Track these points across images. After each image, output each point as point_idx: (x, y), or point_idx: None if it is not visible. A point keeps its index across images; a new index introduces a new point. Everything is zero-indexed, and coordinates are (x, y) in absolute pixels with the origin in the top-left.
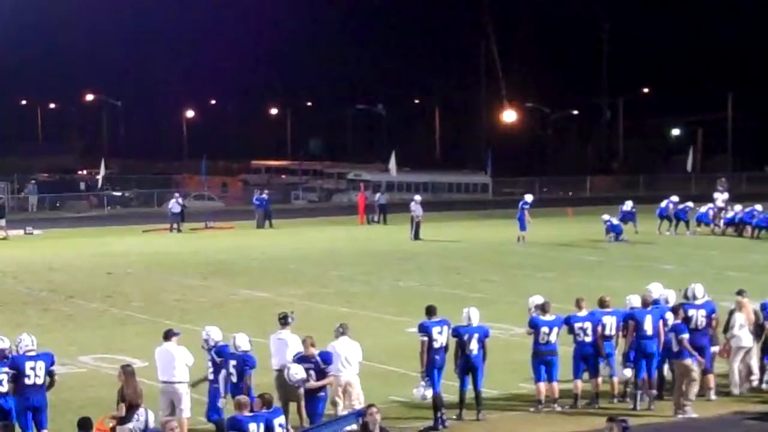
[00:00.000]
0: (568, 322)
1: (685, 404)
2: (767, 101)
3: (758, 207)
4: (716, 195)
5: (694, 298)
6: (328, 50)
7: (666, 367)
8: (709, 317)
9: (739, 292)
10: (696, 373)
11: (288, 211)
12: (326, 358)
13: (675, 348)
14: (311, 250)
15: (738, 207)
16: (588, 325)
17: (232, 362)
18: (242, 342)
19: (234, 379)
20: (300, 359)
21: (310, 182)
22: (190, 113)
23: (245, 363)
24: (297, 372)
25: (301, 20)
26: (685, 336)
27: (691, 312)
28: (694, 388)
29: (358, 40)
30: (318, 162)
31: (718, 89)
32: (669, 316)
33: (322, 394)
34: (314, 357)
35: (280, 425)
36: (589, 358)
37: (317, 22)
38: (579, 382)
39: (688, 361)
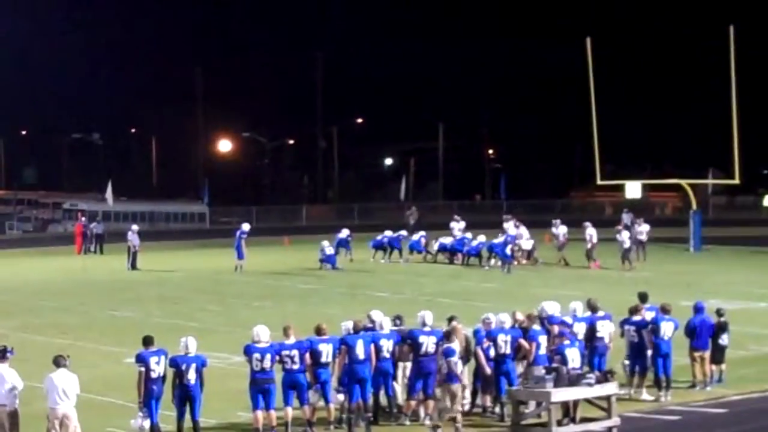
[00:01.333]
0: (278, 351)
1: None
2: (475, 131)
3: (468, 235)
4: (453, 224)
5: (424, 324)
6: (43, 77)
7: (381, 392)
8: (437, 344)
9: (451, 318)
10: (459, 398)
11: (2, 241)
12: None
13: (445, 370)
14: (25, 281)
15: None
16: (295, 353)
17: None
18: None
19: None
20: None
21: (24, 212)
22: None
23: None
24: None
25: (13, 46)
26: (453, 359)
27: (422, 338)
28: (455, 413)
29: (74, 67)
30: (33, 191)
31: (429, 119)
32: (383, 342)
33: None
34: None
35: None
36: (297, 385)
37: (29, 48)
38: (289, 410)
39: (456, 386)
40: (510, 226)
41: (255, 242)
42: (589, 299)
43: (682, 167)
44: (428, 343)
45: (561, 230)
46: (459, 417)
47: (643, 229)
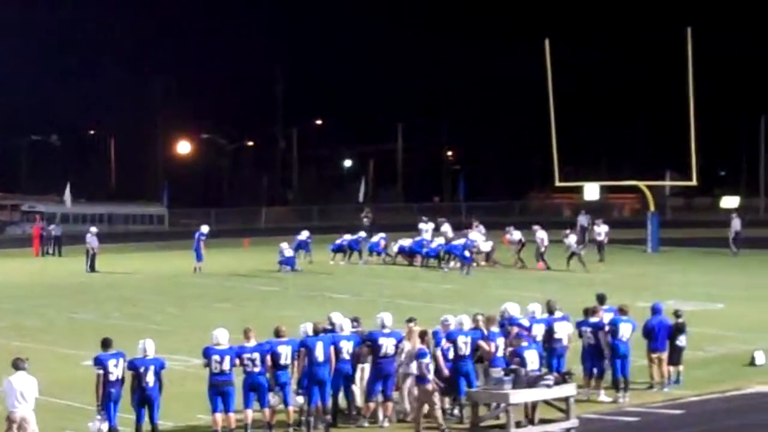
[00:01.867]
0: (238, 353)
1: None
2: (434, 133)
3: (427, 236)
4: (421, 226)
5: (383, 326)
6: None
7: (341, 394)
8: (396, 345)
9: (410, 320)
10: (437, 397)
11: None
12: None
13: (416, 372)
14: None
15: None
16: (256, 355)
17: None
18: None
19: None
20: None
21: None
22: None
23: None
24: None
25: None
26: (425, 360)
27: (382, 340)
28: (438, 412)
29: (30, 69)
30: None
31: (388, 120)
32: (343, 344)
33: None
34: None
35: None
36: (258, 387)
37: None
38: (249, 412)
39: (428, 386)
40: (448, 229)
41: (214, 244)
42: (548, 301)
43: (640, 169)
44: (388, 345)
45: (515, 236)
46: (440, 419)
47: (602, 230)
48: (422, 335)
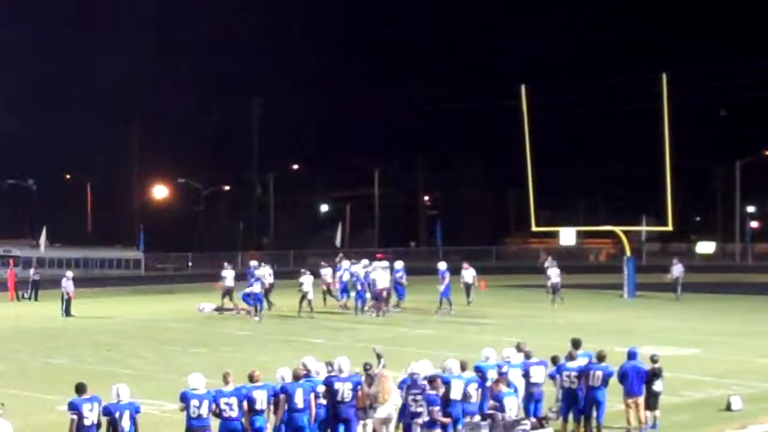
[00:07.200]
0: (215, 398)
1: None
2: (410, 178)
3: (405, 281)
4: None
5: (340, 371)
6: None
7: None
8: (355, 390)
9: (384, 365)
10: None
11: None
12: None
13: (426, 418)
14: None
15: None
16: (234, 400)
17: None
18: None
19: None
20: None
21: None
22: None
23: None
24: None
25: None
26: (436, 408)
27: (338, 385)
28: None
29: (7, 112)
30: None
31: (365, 165)
32: (320, 389)
33: None
34: None
35: None
36: None
37: None
38: None
39: None
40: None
41: (190, 288)
42: (518, 344)
43: (616, 214)
44: (344, 390)
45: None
46: None
47: (553, 272)
48: (431, 382)
